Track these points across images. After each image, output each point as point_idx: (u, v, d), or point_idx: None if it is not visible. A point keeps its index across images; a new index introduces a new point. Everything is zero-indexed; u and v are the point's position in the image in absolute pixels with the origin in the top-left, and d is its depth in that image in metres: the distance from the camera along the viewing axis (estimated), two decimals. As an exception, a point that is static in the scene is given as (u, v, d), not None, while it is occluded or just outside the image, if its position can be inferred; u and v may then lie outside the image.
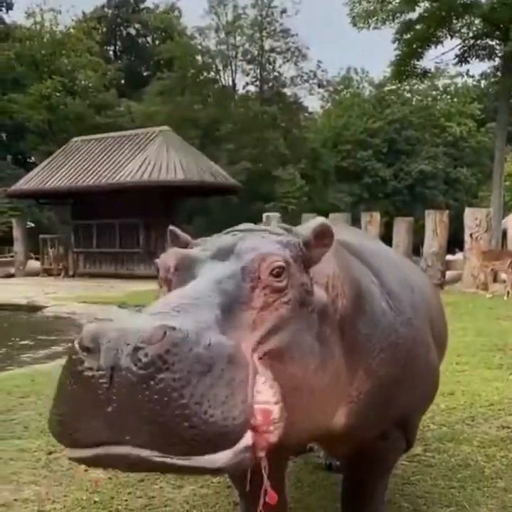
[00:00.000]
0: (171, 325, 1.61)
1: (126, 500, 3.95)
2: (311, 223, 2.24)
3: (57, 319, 14.15)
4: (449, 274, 18.30)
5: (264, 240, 2.16)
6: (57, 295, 17.94)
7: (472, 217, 16.94)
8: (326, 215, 21.38)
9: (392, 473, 4.14)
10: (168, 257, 2.12)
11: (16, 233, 27.39)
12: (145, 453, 1.59)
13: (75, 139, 27.85)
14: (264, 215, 21.48)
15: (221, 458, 1.62)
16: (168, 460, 1.59)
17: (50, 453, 4.78)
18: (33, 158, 48.45)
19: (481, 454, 4.57)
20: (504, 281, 15.82)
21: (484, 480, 4.12)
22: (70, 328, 12.85)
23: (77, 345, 1.64)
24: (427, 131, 54.96)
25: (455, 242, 19.37)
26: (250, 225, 2.47)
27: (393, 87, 51.93)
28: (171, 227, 2.40)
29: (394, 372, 2.66)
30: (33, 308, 15.79)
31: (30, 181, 26.11)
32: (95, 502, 3.93)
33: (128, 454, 1.60)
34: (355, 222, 23.12)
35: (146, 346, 1.56)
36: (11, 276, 26.36)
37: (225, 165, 39.31)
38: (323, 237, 2.19)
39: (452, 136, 54.76)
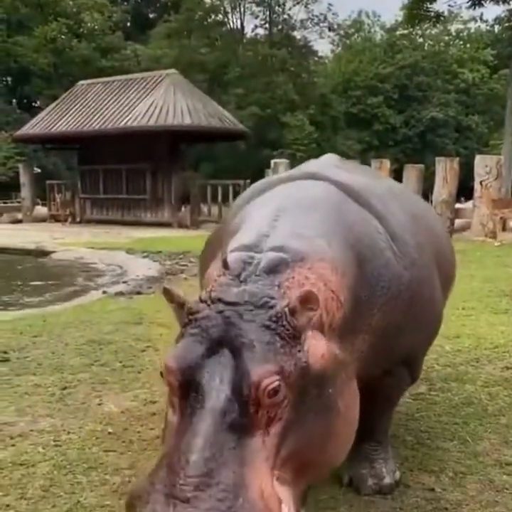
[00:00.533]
0: None
1: (139, 432, 4.08)
2: (298, 292, 2.10)
3: (66, 264, 14.27)
4: (458, 222, 18.22)
5: (251, 330, 2.01)
6: (65, 241, 18.03)
7: (482, 165, 16.73)
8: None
9: (397, 410, 4.26)
10: (169, 362, 2.04)
11: (23, 179, 27.29)
12: None
13: (80, 82, 27.40)
14: (272, 161, 21.32)
15: None
16: None
17: (65, 388, 4.91)
18: (38, 102, 47.85)
19: (485, 393, 4.67)
20: (513, 230, 15.79)
21: (487, 417, 4.22)
22: (78, 272, 12.99)
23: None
24: (438, 78, 53.78)
25: (464, 190, 19.21)
26: (235, 274, 2.23)
27: (405, 31, 50.61)
28: (166, 286, 2.28)
29: (398, 318, 2.70)
30: (42, 253, 15.89)
31: (35, 126, 25.84)
32: (109, 433, 4.07)
33: None
34: (364, 169, 22.96)
35: None
36: (19, 221, 26.43)
37: (232, 110, 38.78)
38: (308, 302, 2.06)
39: (464, 83, 53.61)
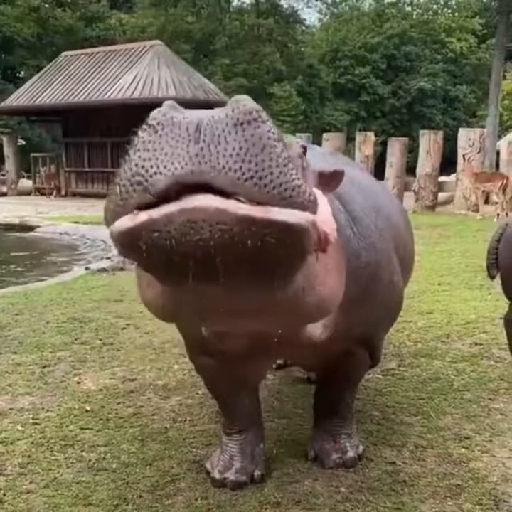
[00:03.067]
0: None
1: (116, 410, 4.21)
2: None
3: (50, 239, 14.27)
4: (441, 195, 18.37)
5: None
6: (50, 215, 17.99)
7: (466, 138, 16.83)
8: (321, 134, 21.18)
9: (367, 385, 4.43)
10: None
11: (7, 151, 27.02)
12: (226, 204, 1.53)
13: (64, 53, 26.99)
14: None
15: (296, 215, 1.60)
16: (249, 212, 1.53)
17: (45, 367, 5.02)
18: (22, 73, 47.07)
19: (452, 369, 4.84)
20: (495, 203, 15.92)
21: (452, 392, 4.39)
22: (61, 248, 13.02)
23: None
24: (427, 47, 53.28)
25: (451, 162, 19.27)
26: None
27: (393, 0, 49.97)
28: None
29: (356, 295, 2.80)
30: (26, 228, 15.86)
31: (20, 97, 25.51)
32: (87, 411, 4.19)
33: (208, 206, 1.52)
34: (351, 141, 22.93)
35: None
36: (3, 195, 26.25)
37: (219, 80, 38.40)
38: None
39: (452, 53, 53.19)
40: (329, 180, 2.28)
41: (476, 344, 5.41)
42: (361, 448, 3.45)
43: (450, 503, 3.01)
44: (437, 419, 3.95)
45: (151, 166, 1.57)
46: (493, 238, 4.71)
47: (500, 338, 5.49)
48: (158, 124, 1.63)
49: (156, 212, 1.55)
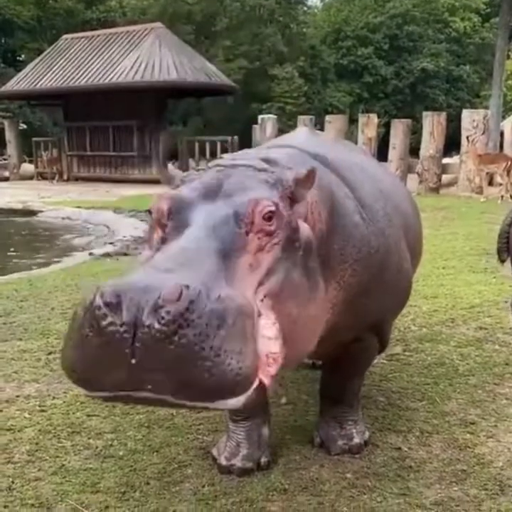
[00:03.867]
0: (184, 283, 1.70)
1: (122, 396, 4.22)
2: (302, 170, 2.28)
3: (53, 224, 14.27)
4: (445, 177, 18.25)
5: (251, 180, 2.21)
6: (52, 199, 17.96)
7: (469, 119, 16.69)
8: (324, 116, 21.02)
9: (372, 371, 4.43)
10: (162, 202, 2.15)
11: (9, 136, 26.91)
12: (166, 397, 1.72)
13: (64, 36, 26.76)
14: (260, 117, 21.12)
15: (235, 402, 1.76)
16: (188, 403, 1.74)
17: (50, 353, 5.03)
18: (22, 56, 46.72)
19: (457, 354, 4.84)
20: (500, 185, 15.82)
21: (457, 377, 4.40)
22: (64, 233, 13.02)
23: (99, 300, 1.72)
24: (429, 27, 52.70)
25: (454, 143, 19.13)
26: (233, 157, 2.51)
27: (397, -23, 49.32)
28: (168, 165, 2.48)
29: (366, 282, 2.80)
30: (29, 213, 15.86)
31: (20, 81, 25.35)
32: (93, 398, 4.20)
33: (149, 397, 1.73)
34: (353, 123, 22.76)
35: (166, 305, 1.67)
36: (6, 179, 26.20)
37: (220, 62, 38.08)
38: (309, 180, 2.26)
39: (456, 32, 52.64)
40: (306, 182, 2.30)
41: (480, 328, 5.41)
42: (367, 434, 3.46)
43: (456, 489, 3.03)
44: (443, 404, 3.96)
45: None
46: (504, 222, 4.71)
47: (504, 323, 5.50)
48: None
49: None
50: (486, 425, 3.67)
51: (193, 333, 1.67)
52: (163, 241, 2.08)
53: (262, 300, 1.95)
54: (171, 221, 2.09)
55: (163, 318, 1.66)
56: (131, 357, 1.68)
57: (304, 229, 2.29)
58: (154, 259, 1.94)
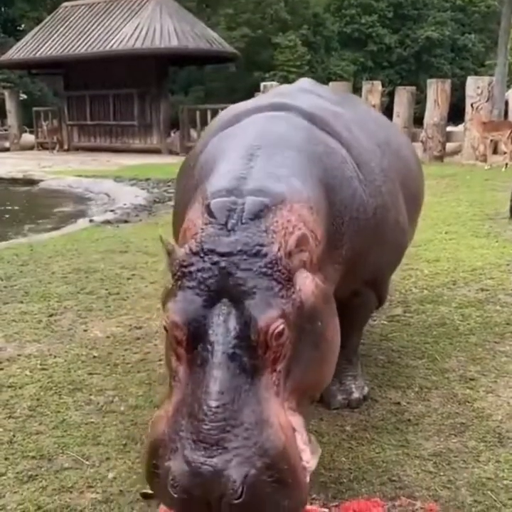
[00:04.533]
0: (242, 473, 1.86)
1: (123, 356, 4.24)
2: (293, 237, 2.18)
3: (54, 193, 14.23)
4: (449, 145, 18.07)
5: (251, 281, 2.07)
6: (53, 169, 17.88)
7: (474, 86, 16.48)
8: (327, 84, 20.78)
9: (372, 331, 4.44)
10: (176, 319, 2.08)
11: (9, 106, 26.68)
12: None
13: (64, 4, 26.32)
14: (262, 84, 20.87)
15: None
16: None
17: (51, 315, 5.05)
18: (22, 25, 46.12)
19: (458, 314, 4.84)
20: (504, 153, 15.67)
21: (458, 336, 4.40)
22: (65, 201, 12.99)
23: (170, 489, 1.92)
24: (435, -6, 51.86)
25: (459, 113, 18.91)
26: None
27: None
28: (168, 242, 2.26)
29: (365, 241, 2.78)
30: (30, 182, 15.81)
31: (20, 50, 25.05)
32: (94, 357, 4.23)
33: None
34: (357, 91, 22.50)
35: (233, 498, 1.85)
36: (6, 150, 26.07)
37: (222, 31, 37.54)
38: (301, 245, 2.17)
39: (461, 0, 51.78)
40: (301, 246, 2.20)
41: (482, 290, 5.40)
42: (366, 389, 3.48)
43: (454, 441, 3.04)
44: (442, 361, 3.97)
45: None
46: None
47: (506, 284, 5.49)
48: None
49: None
50: (485, 381, 3.68)
51: (262, 505, 1.91)
52: (189, 363, 2.07)
53: (290, 407, 2.11)
54: (187, 343, 2.07)
55: (234, 507, 1.86)
56: None
57: (307, 291, 2.18)
58: (197, 424, 1.96)
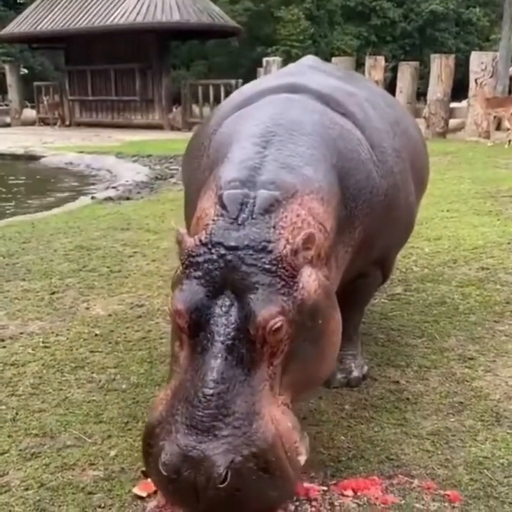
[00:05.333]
0: (229, 458, 1.95)
1: (124, 334, 4.27)
2: (301, 235, 2.19)
3: (55, 169, 14.18)
4: (452, 122, 17.93)
5: (253, 277, 2.11)
6: (55, 145, 17.80)
7: (478, 62, 16.30)
8: (330, 60, 20.57)
9: (372, 309, 4.46)
10: (180, 307, 2.15)
11: (10, 80, 26.51)
12: None
13: (64, -23, 25.99)
14: (264, 60, 20.68)
15: None
16: None
17: (53, 293, 5.07)
18: (22, -2, 45.54)
19: (458, 293, 4.85)
20: (507, 129, 15.55)
21: (457, 315, 4.42)
22: (67, 178, 12.95)
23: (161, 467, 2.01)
24: (440, -34, 50.98)
25: (462, 89, 18.72)
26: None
27: None
28: (180, 230, 2.29)
29: (377, 223, 2.80)
30: (31, 158, 15.75)
31: (21, 24, 24.77)
32: (96, 335, 4.25)
33: None
34: (360, 67, 22.26)
35: (218, 485, 1.93)
36: (7, 125, 25.92)
37: (225, 4, 37.04)
38: (308, 243, 2.19)
39: (467, -28, 51.00)
40: (306, 244, 2.21)
41: (482, 269, 5.40)
42: (366, 368, 3.50)
43: (452, 420, 3.07)
44: (442, 340, 3.99)
45: None
46: None
47: (506, 263, 5.49)
48: None
49: None
50: (484, 360, 3.70)
51: (246, 492, 1.98)
52: (190, 349, 2.15)
53: (285, 402, 2.18)
54: (190, 330, 2.15)
55: (218, 491, 1.94)
56: (197, 501, 2.00)
57: (310, 287, 2.21)
58: (192, 409, 2.04)
